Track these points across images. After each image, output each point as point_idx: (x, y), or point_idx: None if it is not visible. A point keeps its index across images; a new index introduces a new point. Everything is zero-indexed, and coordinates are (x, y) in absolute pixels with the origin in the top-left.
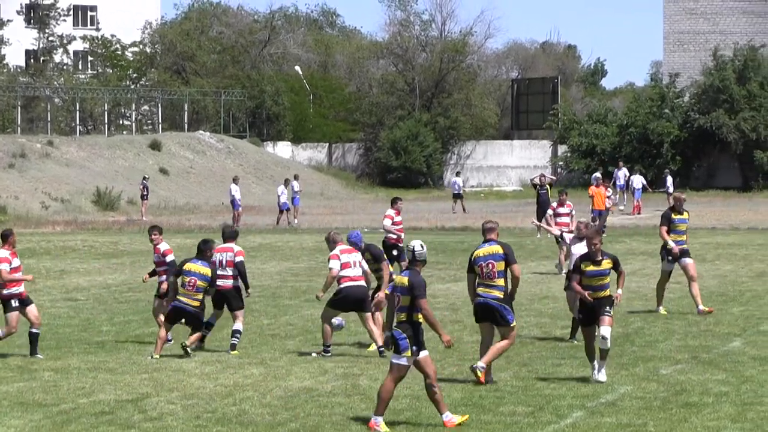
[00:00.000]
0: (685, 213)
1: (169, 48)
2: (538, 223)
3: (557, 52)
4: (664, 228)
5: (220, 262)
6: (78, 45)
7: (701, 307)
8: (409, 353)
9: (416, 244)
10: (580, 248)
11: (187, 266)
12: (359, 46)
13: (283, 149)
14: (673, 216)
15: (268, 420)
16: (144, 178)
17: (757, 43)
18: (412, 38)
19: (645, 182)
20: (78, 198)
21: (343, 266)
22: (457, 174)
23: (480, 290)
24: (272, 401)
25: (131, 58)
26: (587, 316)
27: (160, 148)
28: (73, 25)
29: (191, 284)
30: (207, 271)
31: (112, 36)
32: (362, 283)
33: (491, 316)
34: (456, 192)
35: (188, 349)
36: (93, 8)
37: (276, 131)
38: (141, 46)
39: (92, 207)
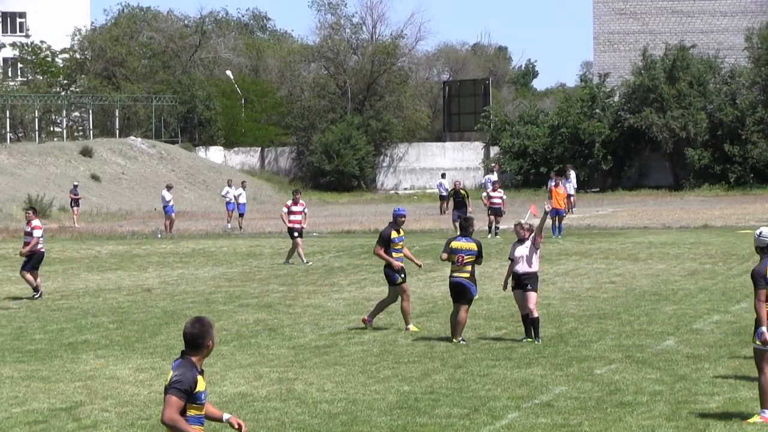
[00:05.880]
0: None
1: (99, 54)
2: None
3: (488, 53)
4: None
5: None
6: (7, 52)
7: None
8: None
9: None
10: (521, 251)
11: (453, 244)
12: (290, 49)
13: (216, 154)
14: None
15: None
16: (74, 186)
17: (687, 42)
18: (343, 41)
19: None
20: (9, 205)
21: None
22: (443, 176)
23: None
24: None
25: (61, 65)
26: None
27: (92, 155)
28: (2, 32)
29: (460, 260)
30: (472, 246)
31: (42, 42)
32: None
33: None
34: (443, 194)
35: (461, 341)
36: (22, 15)
37: (208, 136)
38: (71, 53)
39: (24, 214)
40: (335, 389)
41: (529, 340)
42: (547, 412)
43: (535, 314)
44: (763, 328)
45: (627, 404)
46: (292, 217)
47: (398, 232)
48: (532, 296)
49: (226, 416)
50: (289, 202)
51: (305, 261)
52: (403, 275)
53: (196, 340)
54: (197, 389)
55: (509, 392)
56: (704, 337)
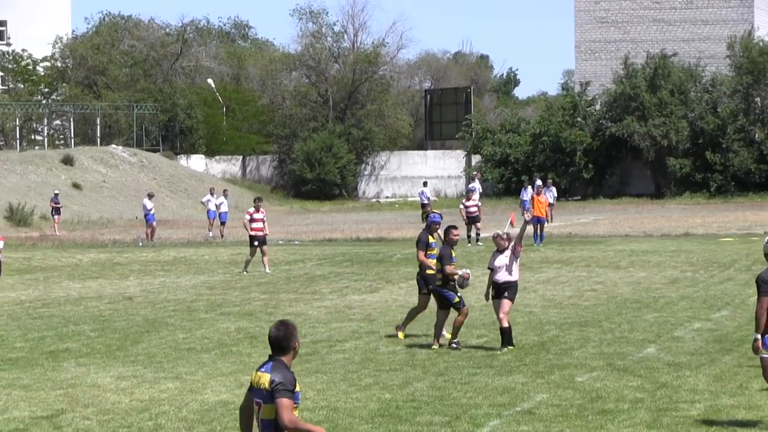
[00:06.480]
0: None
1: (80, 62)
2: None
3: (470, 62)
4: None
5: None
6: None
7: None
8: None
9: None
10: (501, 260)
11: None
12: (272, 58)
13: (197, 162)
14: None
15: None
16: (55, 194)
17: (668, 51)
18: (325, 50)
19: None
20: None
21: None
22: (424, 184)
23: None
24: (188, 415)
25: (42, 73)
26: None
27: (73, 163)
28: None
29: (436, 267)
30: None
31: (23, 51)
32: None
33: None
34: (424, 203)
35: (454, 344)
36: (3, 23)
37: (189, 144)
38: (52, 61)
39: (5, 223)
40: (316, 397)
41: (508, 348)
42: (528, 419)
43: (505, 324)
44: (758, 335)
45: (608, 412)
46: (254, 225)
47: (432, 238)
48: (506, 304)
49: None
50: (252, 210)
51: (245, 270)
52: (430, 286)
53: (282, 343)
54: (296, 389)
55: (490, 400)
56: (685, 344)
